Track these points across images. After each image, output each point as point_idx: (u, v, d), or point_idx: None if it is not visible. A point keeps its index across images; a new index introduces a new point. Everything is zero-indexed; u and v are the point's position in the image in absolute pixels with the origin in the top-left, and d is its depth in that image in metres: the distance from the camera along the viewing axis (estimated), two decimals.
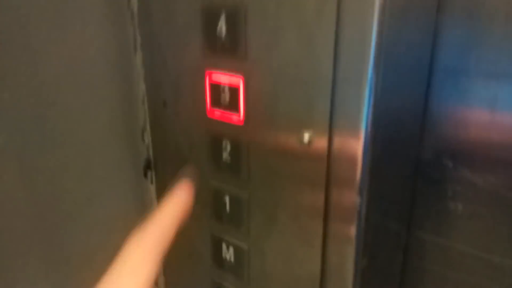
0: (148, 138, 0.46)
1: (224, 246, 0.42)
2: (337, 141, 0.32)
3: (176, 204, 0.34)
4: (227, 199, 0.39)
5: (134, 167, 0.46)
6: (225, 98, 0.37)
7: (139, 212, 0.48)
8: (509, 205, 0.38)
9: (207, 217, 0.42)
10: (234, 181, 0.39)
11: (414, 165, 0.42)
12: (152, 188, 0.48)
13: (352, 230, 0.33)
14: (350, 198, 0.32)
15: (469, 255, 0.42)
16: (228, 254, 0.42)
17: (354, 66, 0.30)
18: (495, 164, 0.38)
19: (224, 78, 0.36)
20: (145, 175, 0.47)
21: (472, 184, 0.39)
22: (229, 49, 0.35)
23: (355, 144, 0.31)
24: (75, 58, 0.39)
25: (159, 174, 0.47)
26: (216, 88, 0.37)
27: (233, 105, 0.37)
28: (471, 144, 0.39)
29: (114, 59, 0.42)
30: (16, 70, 0.36)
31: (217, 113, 0.38)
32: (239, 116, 0.37)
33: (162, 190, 0.48)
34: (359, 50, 0.30)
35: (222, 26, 0.35)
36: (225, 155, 0.38)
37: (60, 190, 0.40)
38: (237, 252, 0.41)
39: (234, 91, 0.36)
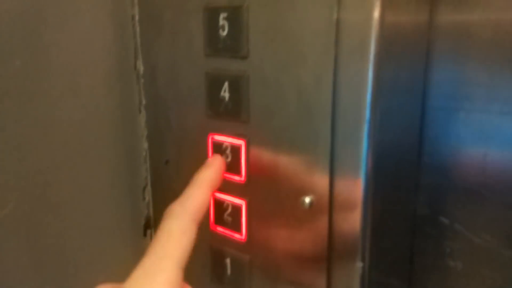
0: (148, 196, 0.47)
1: None
2: (338, 205, 0.33)
3: (210, 173, 0.36)
4: (228, 261, 0.39)
5: (134, 226, 0.46)
6: (227, 159, 0.38)
7: None
8: (507, 263, 0.38)
9: (207, 279, 0.42)
10: (235, 243, 0.39)
11: (412, 222, 0.42)
12: None
13: None
14: (352, 262, 0.33)
15: None
16: None
17: (351, 131, 0.32)
18: (490, 222, 0.39)
19: (227, 140, 0.38)
20: (145, 233, 0.47)
21: (469, 242, 0.40)
22: (232, 113, 0.37)
23: (356, 208, 0.32)
24: (83, 121, 0.41)
25: None
26: (219, 149, 0.38)
27: (235, 166, 0.38)
28: (465, 202, 0.40)
29: (120, 120, 0.44)
30: (25, 138, 0.37)
31: None
32: (241, 176, 0.38)
33: None
34: (355, 116, 0.31)
35: (225, 91, 0.37)
36: (226, 215, 0.39)
37: (63, 254, 0.40)
38: None
39: (236, 153, 0.37)
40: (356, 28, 0.30)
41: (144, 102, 0.45)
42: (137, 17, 0.43)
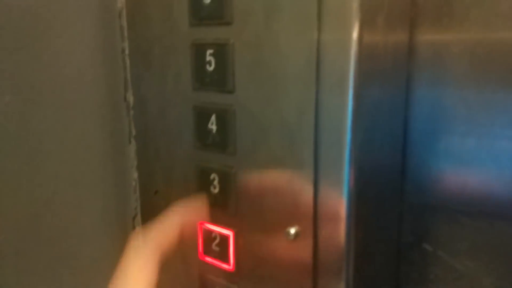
0: (138, 225, 0.47)
1: None
2: (323, 235, 0.34)
3: (179, 213, 0.37)
4: None
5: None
6: (214, 190, 0.39)
7: None
8: None
9: None
10: (223, 272, 0.39)
11: (396, 249, 0.43)
12: None
13: None
14: None
15: None
16: None
17: (334, 163, 0.33)
18: (471, 249, 0.40)
19: (213, 175, 0.39)
20: None
21: (451, 269, 0.41)
22: (219, 145, 0.38)
23: (340, 238, 0.33)
24: (73, 152, 0.41)
25: None
26: (206, 180, 0.39)
27: (223, 200, 0.38)
28: (446, 229, 0.41)
29: (110, 150, 0.45)
30: (15, 170, 0.37)
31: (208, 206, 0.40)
32: (230, 210, 0.38)
33: None
34: (337, 148, 0.33)
35: (213, 124, 0.38)
36: (214, 245, 0.39)
37: (54, 286, 0.40)
38: None
39: (224, 183, 0.38)
40: (336, 63, 0.32)
41: (134, 133, 0.46)
42: (127, 51, 0.44)
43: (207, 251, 0.40)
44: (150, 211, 0.46)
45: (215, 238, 0.39)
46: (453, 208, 0.40)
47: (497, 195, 0.38)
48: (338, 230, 0.33)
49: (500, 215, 0.38)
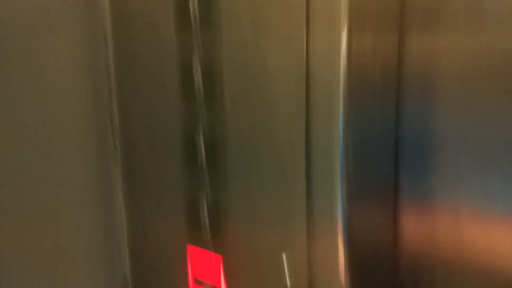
0: (125, 254, 0.45)
1: None
2: (317, 260, 0.32)
3: None
4: None
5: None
6: (204, 216, 0.37)
7: None
8: None
9: None
10: None
11: (392, 278, 0.41)
12: None
13: None
14: None
15: None
16: None
17: (326, 186, 0.32)
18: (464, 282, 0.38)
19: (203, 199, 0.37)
20: None
21: None
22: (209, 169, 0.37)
23: (336, 263, 0.31)
24: (56, 180, 0.40)
25: None
26: (195, 204, 0.38)
27: (213, 225, 0.37)
28: (441, 258, 0.39)
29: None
30: None
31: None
32: (220, 235, 0.36)
33: None
34: (329, 170, 0.31)
35: (201, 148, 0.37)
36: (205, 270, 0.37)
37: None
38: None
39: (214, 207, 0.37)
40: (325, 78, 0.31)
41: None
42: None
43: (197, 276, 0.38)
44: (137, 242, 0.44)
45: (205, 263, 0.37)
46: (446, 229, 0.39)
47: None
48: (334, 255, 0.32)
49: None
